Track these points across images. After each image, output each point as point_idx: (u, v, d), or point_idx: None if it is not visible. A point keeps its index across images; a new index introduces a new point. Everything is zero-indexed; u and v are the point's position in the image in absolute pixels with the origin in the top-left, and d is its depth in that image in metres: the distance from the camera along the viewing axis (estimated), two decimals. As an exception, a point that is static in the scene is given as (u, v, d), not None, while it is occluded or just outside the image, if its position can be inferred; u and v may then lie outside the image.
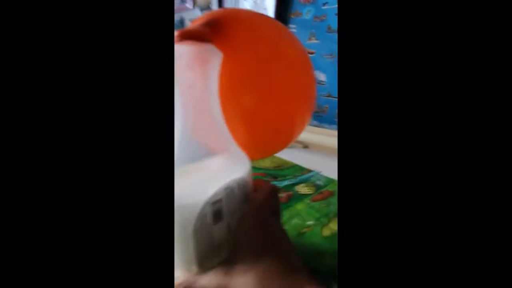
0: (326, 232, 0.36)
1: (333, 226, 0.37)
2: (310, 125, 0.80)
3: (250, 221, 0.24)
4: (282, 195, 0.47)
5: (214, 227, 0.24)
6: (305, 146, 0.70)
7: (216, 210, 0.23)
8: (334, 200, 0.43)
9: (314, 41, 0.74)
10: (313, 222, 0.38)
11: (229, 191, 0.24)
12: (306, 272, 0.22)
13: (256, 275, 0.20)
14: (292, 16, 0.77)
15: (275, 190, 0.26)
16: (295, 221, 0.39)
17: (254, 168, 0.59)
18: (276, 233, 0.24)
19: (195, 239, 0.23)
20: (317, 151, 0.69)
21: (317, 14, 0.72)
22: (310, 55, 0.77)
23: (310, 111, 0.32)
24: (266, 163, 0.63)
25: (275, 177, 0.55)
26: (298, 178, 0.54)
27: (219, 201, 0.23)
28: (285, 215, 0.40)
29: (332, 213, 0.40)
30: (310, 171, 0.57)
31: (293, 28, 0.78)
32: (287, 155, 0.65)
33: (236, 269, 0.21)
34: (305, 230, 0.37)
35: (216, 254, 0.24)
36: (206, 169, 0.25)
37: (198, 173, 0.24)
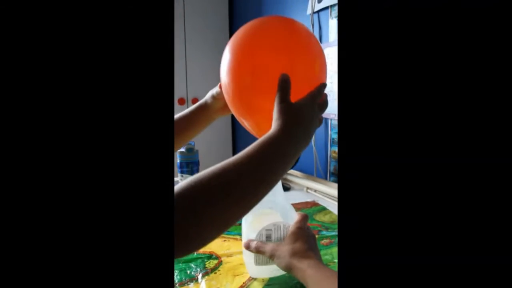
0: (344, 266, 0.56)
1: (351, 264, 0.56)
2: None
3: (295, 225, 0.50)
4: (327, 240, 0.67)
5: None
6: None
7: (267, 234, 0.48)
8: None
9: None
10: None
11: (276, 226, 0.49)
12: (319, 252, 0.47)
13: (291, 247, 0.46)
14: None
15: (306, 215, 0.52)
16: (327, 257, 0.59)
17: (313, 220, 0.80)
18: (308, 234, 0.49)
19: (255, 248, 0.48)
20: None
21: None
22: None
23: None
24: (326, 218, 0.84)
25: (327, 228, 0.75)
26: (344, 232, 0.73)
27: (269, 229, 0.48)
28: (322, 252, 0.60)
29: (355, 257, 0.59)
30: (356, 228, 0.75)
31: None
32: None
33: (283, 244, 0.47)
34: (330, 264, 0.57)
35: (266, 261, 0.49)
36: (273, 214, 0.51)
37: (269, 215, 0.50)
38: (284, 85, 0.40)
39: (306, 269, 0.41)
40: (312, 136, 0.41)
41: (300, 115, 0.39)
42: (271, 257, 0.46)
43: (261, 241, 0.49)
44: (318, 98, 0.42)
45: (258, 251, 0.48)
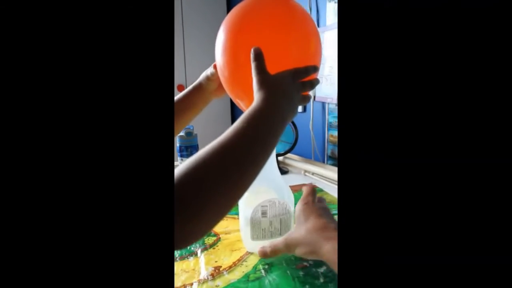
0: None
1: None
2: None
3: (301, 202, 0.49)
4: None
5: (261, 219, 0.51)
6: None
7: (263, 210, 0.50)
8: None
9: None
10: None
11: (271, 202, 0.51)
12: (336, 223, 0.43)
13: (305, 229, 0.43)
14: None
15: (314, 188, 0.52)
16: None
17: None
18: (319, 207, 0.47)
19: (251, 223, 0.50)
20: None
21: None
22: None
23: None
24: (331, 198, 0.86)
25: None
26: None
27: (265, 206, 0.50)
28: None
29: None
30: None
31: None
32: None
33: (292, 231, 0.46)
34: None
35: (262, 236, 0.51)
36: (268, 191, 0.52)
37: (265, 193, 0.52)
38: (258, 57, 0.40)
39: (324, 246, 0.38)
40: (297, 109, 0.41)
41: (281, 85, 0.39)
42: (288, 250, 0.44)
43: (272, 242, 0.47)
44: (301, 75, 0.42)
45: (275, 253, 0.46)
